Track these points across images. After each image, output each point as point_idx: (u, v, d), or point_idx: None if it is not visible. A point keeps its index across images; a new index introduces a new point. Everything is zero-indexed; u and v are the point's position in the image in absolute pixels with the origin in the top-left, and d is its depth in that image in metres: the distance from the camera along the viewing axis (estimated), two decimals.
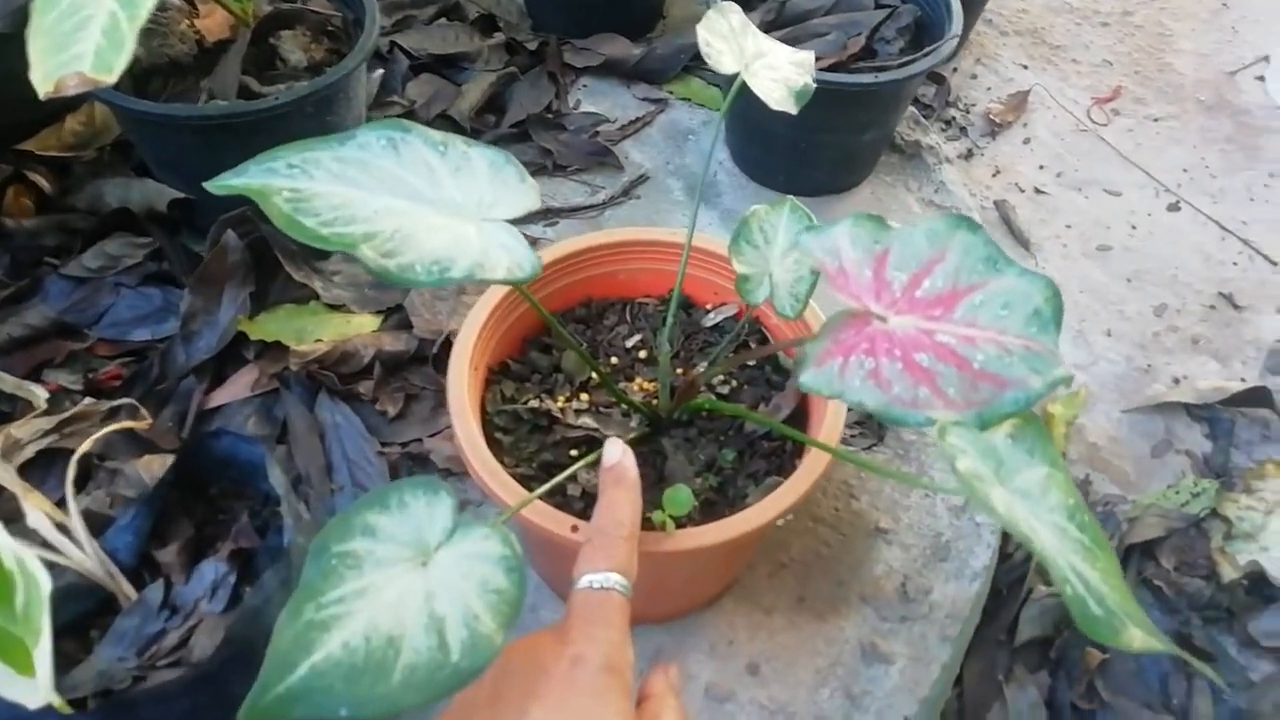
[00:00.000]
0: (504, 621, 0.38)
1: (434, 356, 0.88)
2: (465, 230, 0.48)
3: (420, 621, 0.38)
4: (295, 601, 0.38)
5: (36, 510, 0.55)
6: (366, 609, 0.38)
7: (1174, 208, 1.24)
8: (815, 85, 0.69)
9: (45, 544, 0.56)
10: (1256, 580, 0.83)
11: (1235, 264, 1.17)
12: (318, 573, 0.39)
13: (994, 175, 1.26)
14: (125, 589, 0.59)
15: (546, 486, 0.55)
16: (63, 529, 0.57)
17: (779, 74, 0.70)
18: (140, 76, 0.90)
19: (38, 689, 0.43)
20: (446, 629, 0.38)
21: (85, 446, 0.61)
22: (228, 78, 0.90)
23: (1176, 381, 1.03)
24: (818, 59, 0.94)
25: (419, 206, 0.48)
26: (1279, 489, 0.88)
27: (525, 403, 0.70)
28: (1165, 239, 1.20)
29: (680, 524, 0.61)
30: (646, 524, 0.64)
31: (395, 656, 0.37)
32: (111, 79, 0.60)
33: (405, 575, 0.40)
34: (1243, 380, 1.02)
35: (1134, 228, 1.21)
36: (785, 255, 0.63)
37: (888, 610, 0.76)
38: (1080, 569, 0.46)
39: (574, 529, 0.59)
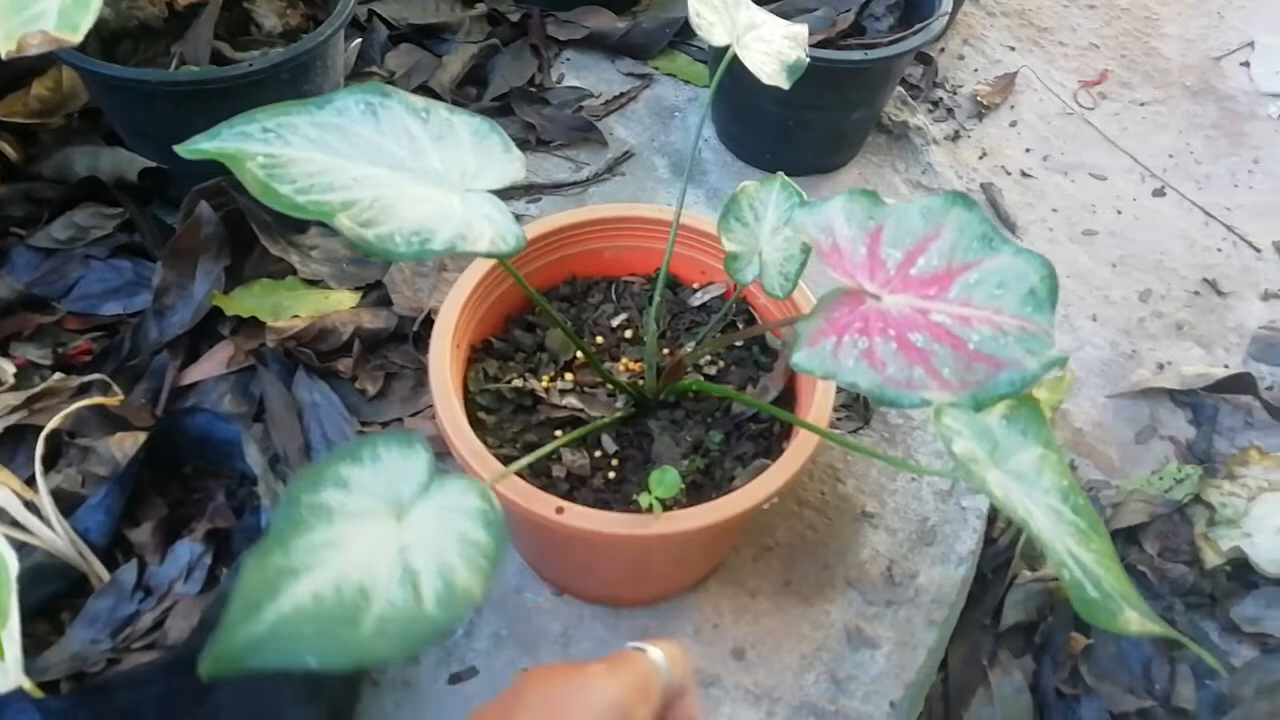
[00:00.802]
0: (482, 574, 0.37)
1: (414, 334, 0.86)
2: (448, 200, 0.46)
3: (394, 574, 0.37)
4: (262, 549, 0.36)
5: (4, 488, 0.53)
6: (336, 560, 0.37)
7: (1159, 193, 1.24)
8: (808, 60, 0.67)
9: (14, 523, 0.54)
10: (1239, 566, 0.83)
11: (1219, 250, 1.17)
12: (287, 522, 0.37)
13: (980, 157, 1.25)
14: (97, 569, 0.57)
15: (527, 460, 0.54)
16: (32, 508, 0.55)
17: (771, 47, 0.68)
18: (108, 40, 0.88)
19: (7, 672, 0.42)
20: (421, 581, 0.36)
21: (54, 423, 0.59)
22: (200, 43, 0.88)
23: (1161, 367, 1.03)
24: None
25: (400, 175, 0.46)
26: (1261, 475, 0.89)
27: (509, 382, 0.68)
28: (1150, 224, 1.19)
29: (667, 506, 0.60)
30: (633, 506, 0.63)
31: (366, 606, 0.35)
32: (76, 39, 0.57)
33: (378, 528, 0.38)
34: (1226, 366, 1.02)
35: (1119, 212, 1.20)
36: (775, 233, 0.61)
37: (873, 594, 0.75)
38: (1076, 552, 0.45)
39: (559, 510, 0.57)
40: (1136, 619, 0.42)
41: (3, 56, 0.56)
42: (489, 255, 0.45)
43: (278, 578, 0.35)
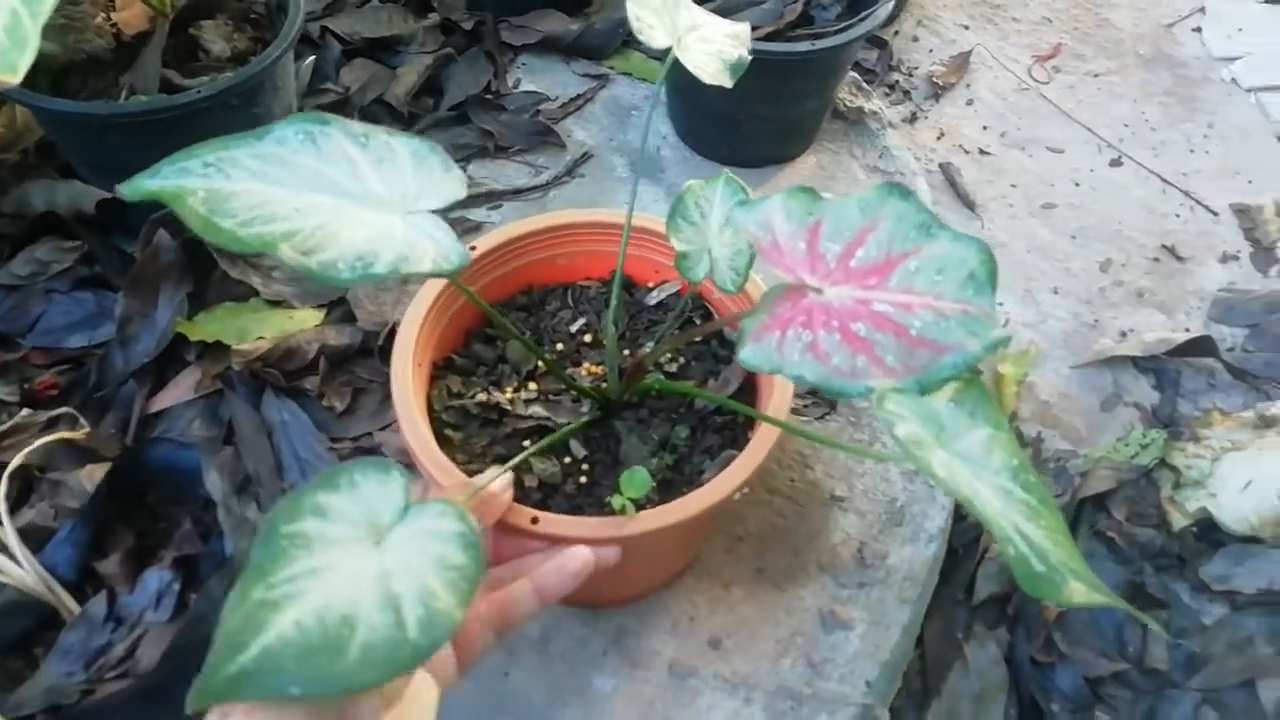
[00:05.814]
0: (463, 597, 0.38)
1: (380, 348, 0.86)
2: (390, 224, 0.46)
3: (374, 600, 0.37)
4: (244, 583, 0.37)
5: None
6: (319, 588, 0.37)
7: (1116, 163, 1.25)
8: (751, 57, 0.68)
9: None
10: (1205, 526, 0.85)
11: (1177, 216, 1.18)
12: (266, 554, 0.38)
13: (938, 138, 1.26)
14: (67, 603, 0.58)
15: (496, 474, 0.54)
16: (0, 546, 0.56)
17: (713, 47, 0.69)
18: (57, 74, 0.87)
19: None
20: (403, 607, 0.37)
21: (17, 460, 0.59)
22: (148, 72, 0.88)
23: (1124, 335, 1.04)
24: (755, 28, 0.93)
25: (342, 201, 0.47)
26: (1224, 436, 0.90)
27: (473, 397, 0.69)
28: (1108, 194, 1.21)
29: (640, 505, 0.60)
30: (606, 509, 0.64)
31: (350, 635, 0.36)
32: (16, 79, 0.58)
33: (358, 554, 0.39)
34: (1187, 330, 1.04)
35: (1077, 184, 1.22)
36: (723, 230, 0.62)
37: (846, 577, 0.76)
38: (1025, 529, 0.46)
39: (534, 520, 0.58)
40: (1081, 590, 0.43)
41: None
42: (433, 275, 0.46)
43: (260, 611, 0.36)
